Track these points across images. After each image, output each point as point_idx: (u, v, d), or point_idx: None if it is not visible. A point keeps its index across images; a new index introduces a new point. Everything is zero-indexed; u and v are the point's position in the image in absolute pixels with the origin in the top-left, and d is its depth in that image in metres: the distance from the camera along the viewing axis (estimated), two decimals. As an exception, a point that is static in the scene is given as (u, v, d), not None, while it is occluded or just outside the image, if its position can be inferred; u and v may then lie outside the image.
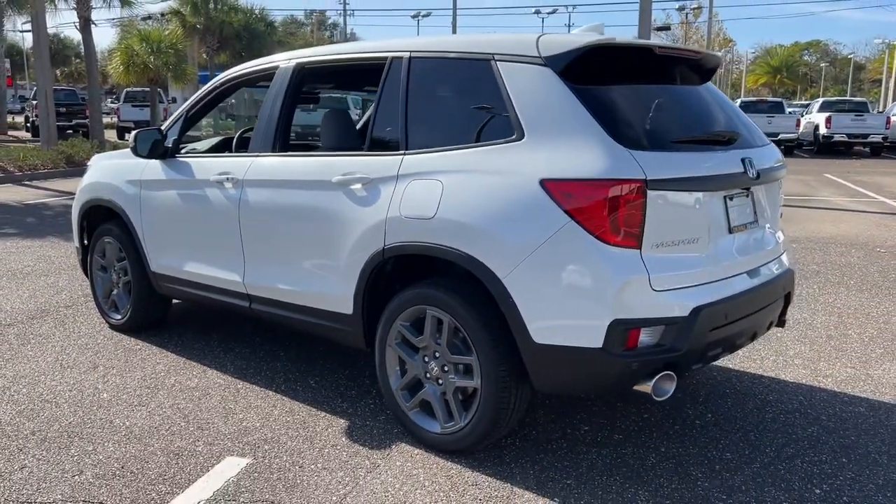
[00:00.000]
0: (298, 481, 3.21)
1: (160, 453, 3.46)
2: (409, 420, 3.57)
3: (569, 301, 3.03)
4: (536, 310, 3.07)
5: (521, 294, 3.09)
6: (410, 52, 3.69)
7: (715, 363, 4.68)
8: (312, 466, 3.34)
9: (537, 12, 59.00)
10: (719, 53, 4.03)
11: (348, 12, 62.15)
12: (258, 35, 32.91)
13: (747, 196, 3.53)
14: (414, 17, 56.70)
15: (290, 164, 4.08)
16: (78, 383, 4.30)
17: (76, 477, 3.23)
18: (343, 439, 3.62)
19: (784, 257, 3.87)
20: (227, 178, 4.27)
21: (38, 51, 17.75)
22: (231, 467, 3.33)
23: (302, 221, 3.90)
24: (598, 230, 2.95)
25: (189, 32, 31.09)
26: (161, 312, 5.27)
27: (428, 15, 56.47)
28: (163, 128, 4.87)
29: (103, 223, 5.28)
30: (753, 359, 4.83)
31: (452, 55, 3.56)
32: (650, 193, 2.96)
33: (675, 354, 3.06)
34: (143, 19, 34.34)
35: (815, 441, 3.65)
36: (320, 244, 3.80)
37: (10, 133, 29.91)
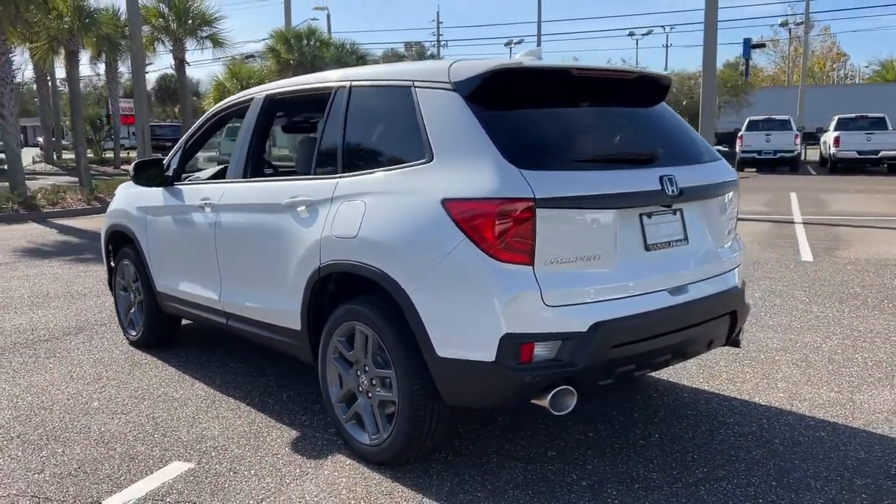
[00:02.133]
0: (227, 486, 3.43)
1: (118, 456, 3.76)
2: (345, 431, 3.74)
3: (465, 316, 3.13)
4: (439, 324, 3.19)
5: (425, 309, 3.21)
6: (351, 81, 3.91)
7: (694, 384, 4.62)
8: (246, 473, 3.55)
9: (631, 34, 58.37)
10: (665, 72, 4.03)
11: (442, 43, 63.30)
12: (346, 67, 34.03)
13: (674, 214, 3.52)
14: (506, 44, 57.30)
15: (253, 189, 4.37)
16: (77, 393, 4.70)
17: (35, 475, 3.57)
18: (286, 449, 3.81)
19: (732, 274, 3.81)
20: (207, 204, 4.61)
21: (137, 90, 19.14)
22: (173, 471, 3.58)
23: (260, 242, 4.17)
24: (489, 247, 3.05)
25: (283, 67, 32.61)
26: (170, 330, 5.66)
27: (520, 42, 56.84)
28: (166, 158, 5.29)
29: (123, 246, 5.75)
30: (734, 380, 4.72)
31: (383, 83, 3.75)
32: (540, 212, 3.03)
33: (573, 369, 3.10)
34: (247, 57, 36.31)
35: (753, 464, 3.56)
36: (274, 263, 4.04)
37: (122, 167, 32.19)
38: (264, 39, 34.08)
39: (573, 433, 3.94)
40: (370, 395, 3.60)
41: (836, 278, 7.91)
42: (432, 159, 3.31)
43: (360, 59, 35.69)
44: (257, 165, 4.57)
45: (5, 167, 16.83)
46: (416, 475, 3.49)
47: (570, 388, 3.11)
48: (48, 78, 23.89)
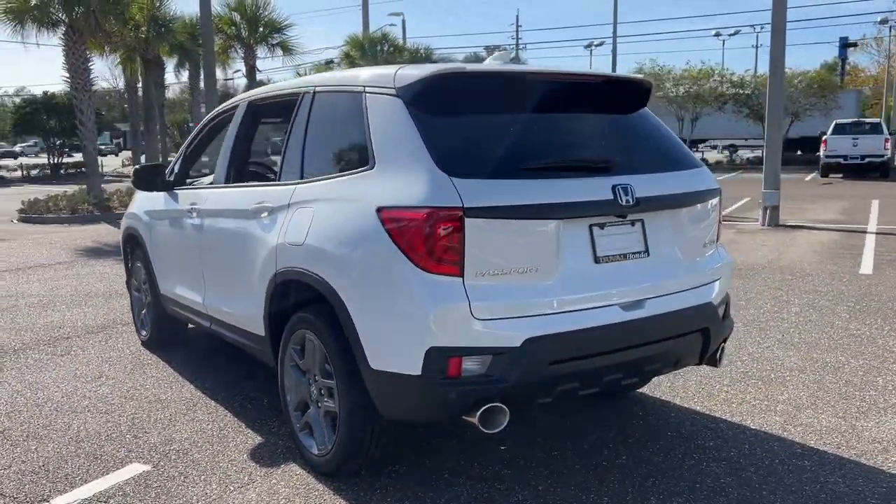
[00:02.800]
0: (172, 490, 3.45)
1: (83, 456, 3.84)
2: (298, 440, 3.71)
3: (394, 328, 3.04)
4: (372, 335, 3.11)
5: (360, 320, 3.15)
6: (315, 87, 3.88)
7: (688, 403, 4.39)
8: (196, 478, 3.57)
9: (717, 34, 56.51)
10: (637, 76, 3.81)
11: (521, 46, 63.01)
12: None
13: (632, 225, 3.33)
14: (587, 47, 56.52)
15: (229, 194, 4.41)
16: (73, 391, 4.85)
17: (3, 470, 3.69)
18: (244, 456, 3.81)
19: (707, 289, 3.58)
20: (193, 208, 4.68)
21: (208, 96, 19.77)
22: (128, 473, 3.64)
23: (231, 246, 4.19)
24: (417, 258, 2.95)
25: (356, 73, 33.16)
26: (176, 331, 5.77)
27: (601, 44, 55.95)
28: (170, 163, 5.41)
29: (136, 249, 5.92)
30: (731, 401, 4.45)
31: (340, 89, 3.71)
32: (469, 221, 2.92)
33: (504, 386, 2.97)
34: (327, 63, 37.11)
35: (714, 492, 3.33)
36: (242, 268, 4.06)
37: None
38: (341, 46, 34.69)
39: (537, 451, 3.79)
40: (319, 404, 3.56)
41: (888, 294, 7.39)
42: (374, 166, 3.24)
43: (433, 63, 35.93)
44: (239, 170, 4.60)
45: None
46: (359, 488, 3.42)
47: (501, 405, 2.98)
48: (138, 85, 25.17)
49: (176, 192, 5.15)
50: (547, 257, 3.08)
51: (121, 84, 40.69)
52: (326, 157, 3.69)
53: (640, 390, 4.62)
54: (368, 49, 32.65)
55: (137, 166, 5.32)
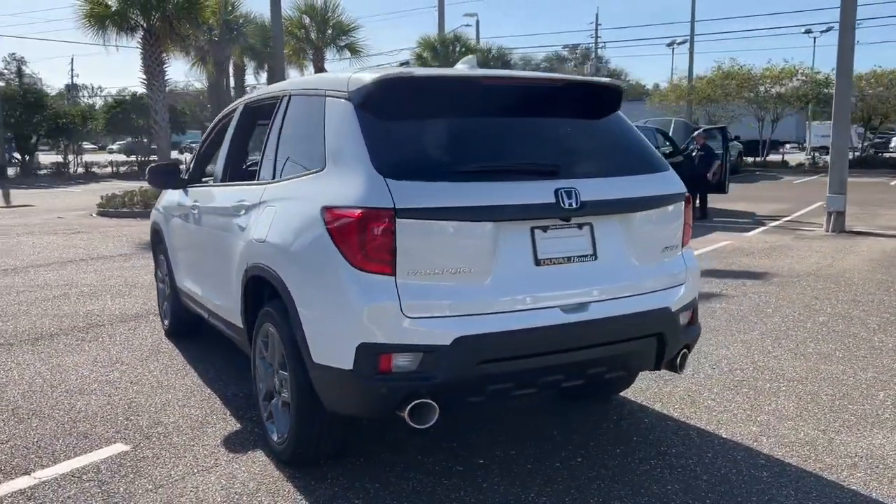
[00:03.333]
0: (141, 470, 3.67)
1: (74, 434, 4.13)
2: (264, 428, 3.88)
3: (331, 323, 3.17)
4: (314, 330, 3.25)
5: (305, 315, 3.29)
6: (291, 90, 4.05)
7: (667, 409, 4.35)
8: (167, 460, 3.78)
9: (808, 31, 54.12)
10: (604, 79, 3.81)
11: (600, 45, 62.09)
12: (495, 73, 34.33)
13: (579, 228, 3.35)
14: (669, 45, 55.26)
15: (220, 193, 4.63)
16: (88, 375, 5.18)
17: (0, 444, 4.00)
18: (217, 441, 4.01)
19: (664, 294, 3.56)
20: (195, 205, 4.94)
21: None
22: (109, 452, 3.89)
23: (218, 242, 4.42)
24: (351, 256, 3.07)
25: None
26: (193, 321, 6.04)
27: (683, 42, 54.51)
28: (186, 161, 5.70)
29: (159, 242, 6.25)
30: (714, 409, 4.38)
31: (309, 92, 3.86)
32: (400, 222, 3.01)
33: (433, 383, 3.05)
34: (401, 64, 37.51)
35: (657, 498, 3.32)
36: (225, 263, 4.27)
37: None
38: (412, 48, 35.14)
39: (497, 450, 3.84)
40: (280, 394, 3.71)
41: (929, 305, 7.04)
42: (325, 167, 3.38)
43: (505, 65, 35.85)
44: (234, 170, 4.82)
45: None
46: (311, 477, 3.56)
47: (430, 402, 3.06)
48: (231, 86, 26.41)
49: (188, 189, 5.42)
50: (481, 258, 3.14)
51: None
52: (293, 158, 3.84)
53: (623, 394, 4.60)
54: (440, 50, 32.91)
55: (152, 165, 5.63)
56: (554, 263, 3.28)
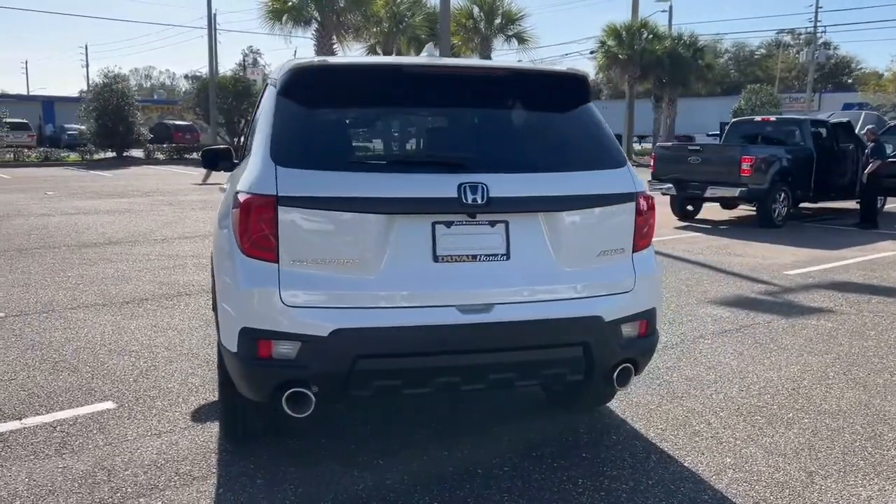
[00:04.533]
0: (106, 428, 4.00)
1: (82, 389, 4.58)
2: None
3: (226, 307, 3.26)
4: (220, 312, 3.36)
5: (218, 298, 3.41)
6: (268, 76, 4.18)
7: (647, 430, 4.03)
8: (134, 422, 4.09)
9: None
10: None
11: (820, 30, 56.63)
12: (681, 61, 32.62)
13: (491, 226, 3.17)
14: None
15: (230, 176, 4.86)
16: (138, 338, 5.70)
17: (21, 392, 4.54)
18: (189, 411, 4.26)
19: (595, 301, 3.29)
20: (225, 188, 5.23)
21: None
22: (96, 408, 4.28)
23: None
24: (240, 241, 3.14)
25: (611, 63, 32.51)
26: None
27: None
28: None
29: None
30: (699, 435, 3.97)
31: (269, 80, 3.96)
32: (283, 210, 3.03)
33: (308, 373, 3.05)
34: (592, 52, 36.84)
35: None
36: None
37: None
38: (593, 36, 34.22)
39: (439, 449, 3.75)
40: (226, 373, 3.87)
41: None
42: (250, 153, 3.47)
43: (697, 52, 33.91)
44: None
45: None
46: (237, 454, 3.69)
47: (305, 391, 3.06)
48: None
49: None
50: (369, 251, 3.08)
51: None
52: (247, 144, 3.98)
53: (613, 407, 4.29)
54: (625, 37, 31.83)
55: (206, 148, 6.01)
56: (455, 261, 3.14)
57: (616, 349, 3.32)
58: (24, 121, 39.19)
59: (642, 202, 3.42)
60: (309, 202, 3.03)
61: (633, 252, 3.44)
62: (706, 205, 14.06)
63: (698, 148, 13.83)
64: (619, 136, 38.01)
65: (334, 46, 18.78)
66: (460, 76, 3.43)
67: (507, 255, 3.19)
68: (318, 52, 18.63)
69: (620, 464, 3.61)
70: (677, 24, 34.71)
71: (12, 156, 28.35)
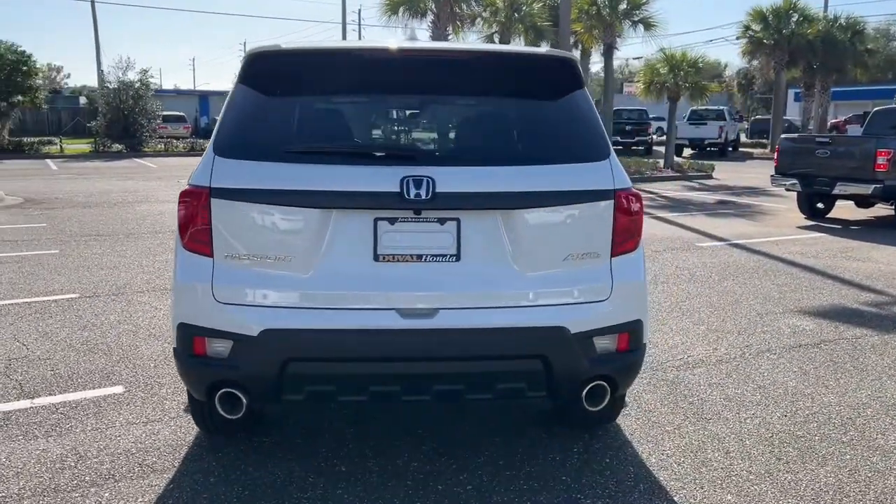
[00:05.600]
0: (103, 413, 4.07)
1: (100, 372, 4.70)
2: None
3: (171, 301, 3.18)
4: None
5: None
6: None
7: (649, 454, 3.64)
8: (131, 408, 4.14)
9: None
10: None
11: None
12: (835, 45, 29.95)
13: (440, 224, 2.90)
14: None
15: None
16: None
17: (48, 371, 4.73)
18: (186, 400, 4.26)
19: (556, 310, 2.96)
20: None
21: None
22: (103, 392, 4.37)
23: None
24: (180, 234, 3.05)
25: (755, 48, 30.40)
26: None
27: None
28: None
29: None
30: (710, 465, 3.49)
31: None
32: (215, 202, 2.91)
33: (237, 374, 2.92)
34: (739, 38, 34.76)
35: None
36: None
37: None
38: (734, 22, 32.08)
39: (407, 445, 3.53)
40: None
41: None
42: None
43: (856, 35, 31.03)
44: None
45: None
46: (211, 447, 3.63)
47: (235, 392, 2.94)
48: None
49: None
50: (304, 248, 2.90)
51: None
52: None
53: (622, 426, 3.88)
54: (772, 21, 29.69)
55: None
56: (397, 261, 2.90)
57: (584, 364, 2.96)
58: (182, 113, 42.14)
59: (624, 200, 3.02)
60: (240, 194, 2.89)
61: (613, 256, 3.04)
62: (839, 202, 12.79)
63: (827, 140, 12.58)
64: (763, 129, 35.40)
65: (449, 37, 18.68)
66: (418, 60, 3.16)
67: (458, 256, 2.91)
68: (434, 41, 18.60)
69: (600, 492, 3.23)
70: (835, 5, 31.77)
71: (163, 146, 30.48)
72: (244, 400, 2.96)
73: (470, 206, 2.87)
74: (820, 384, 4.59)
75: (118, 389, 4.41)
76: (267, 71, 3.17)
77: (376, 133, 3.25)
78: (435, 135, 3.22)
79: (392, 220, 2.89)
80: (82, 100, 47.74)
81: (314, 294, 2.89)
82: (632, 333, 3.07)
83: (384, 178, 2.85)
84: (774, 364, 4.97)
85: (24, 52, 28.42)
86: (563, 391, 3.01)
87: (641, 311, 3.13)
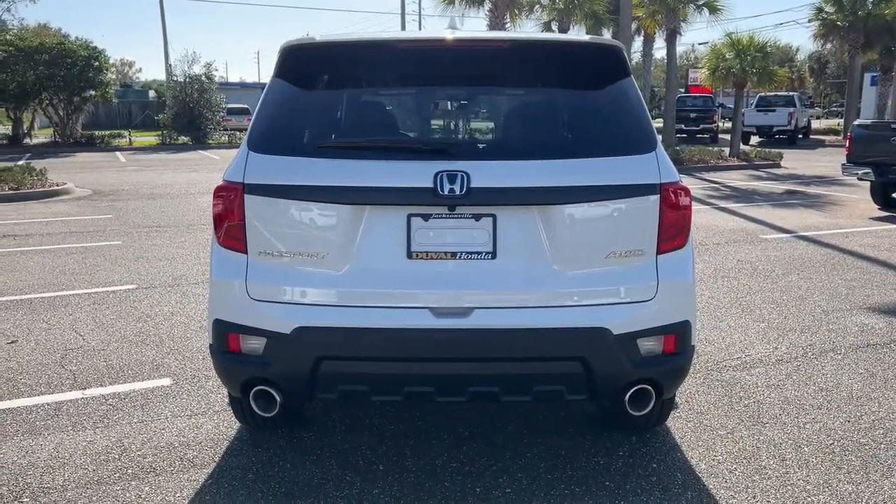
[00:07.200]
0: (148, 405, 4.11)
1: (150, 364, 4.77)
2: None
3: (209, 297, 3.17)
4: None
5: None
6: None
7: (701, 460, 3.49)
8: (176, 400, 4.18)
9: None
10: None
11: None
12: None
13: (476, 220, 2.81)
14: None
15: None
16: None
17: (100, 362, 4.82)
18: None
19: (598, 311, 2.84)
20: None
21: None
22: (151, 384, 4.43)
23: None
24: (215, 230, 3.03)
25: (828, 31, 29.17)
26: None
27: None
28: None
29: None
30: (765, 479, 3.32)
31: None
32: (249, 198, 2.87)
33: (269, 371, 2.89)
34: (811, 20, 33.48)
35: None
36: None
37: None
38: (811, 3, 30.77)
39: (434, 435, 3.46)
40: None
41: None
42: None
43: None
44: None
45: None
46: (250, 445, 3.63)
47: (269, 390, 2.91)
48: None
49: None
50: (337, 244, 2.84)
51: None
52: None
53: (672, 429, 3.73)
54: (847, 2, 28.43)
55: None
56: (431, 258, 2.82)
57: (627, 367, 2.83)
58: (246, 106, 42.91)
59: (671, 194, 2.87)
60: (273, 190, 2.85)
61: (658, 254, 2.90)
62: (919, 193, 12.18)
63: (904, 127, 11.97)
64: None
65: (507, 26, 18.46)
66: (454, 51, 3.05)
67: (493, 254, 2.81)
68: (492, 30, 18.41)
69: (644, 499, 3.09)
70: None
71: (227, 138, 31.10)
72: (278, 398, 2.93)
73: (506, 201, 2.77)
74: (888, 388, 4.33)
75: (166, 382, 4.46)
76: (301, 64, 3.12)
77: (410, 126, 3.18)
78: (471, 127, 3.12)
79: (426, 217, 2.80)
80: (151, 93, 49.19)
81: (347, 292, 2.84)
82: (678, 335, 2.92)
83: (417, 173, 2.77)
84: (839, 365, 4.71)
85: (96, 47, 29.35)
86: (604, 394, 2.88)
87: (689, 311, 2.97)
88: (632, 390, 2.89)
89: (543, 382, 2.85)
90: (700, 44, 49.57)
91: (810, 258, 8.09)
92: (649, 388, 2.91)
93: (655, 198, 2.84)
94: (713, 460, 3.43)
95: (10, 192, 13.49)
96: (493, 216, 2.79)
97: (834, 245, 8.85)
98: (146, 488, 3.22)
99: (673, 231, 2.90)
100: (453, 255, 2.81)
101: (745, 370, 4.62)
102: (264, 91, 3.18)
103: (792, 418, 3.91)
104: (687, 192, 2.92)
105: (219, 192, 2.95)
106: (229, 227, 2.94)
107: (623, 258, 2.85)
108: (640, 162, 2.86)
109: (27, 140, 30.16)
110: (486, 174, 2.75)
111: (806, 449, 3.55)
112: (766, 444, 3.60)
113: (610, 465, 3.38)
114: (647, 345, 2.86)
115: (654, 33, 22.04)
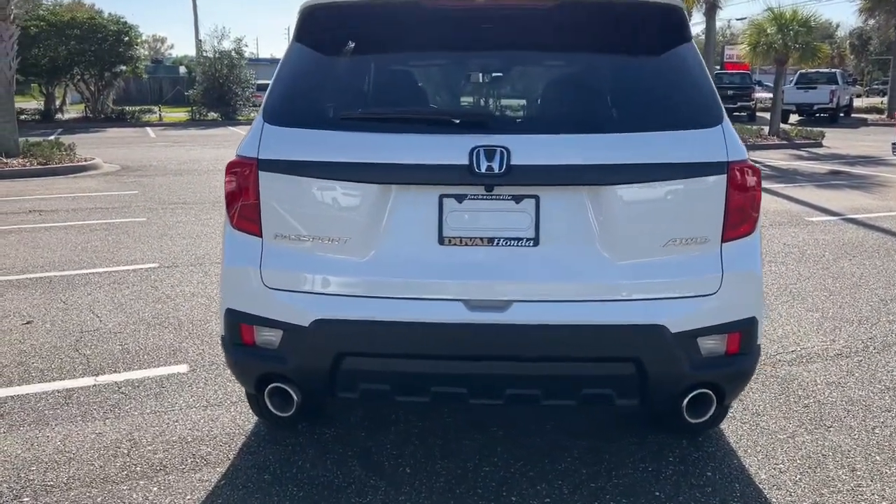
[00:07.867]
0: (163, 394, 3.88)
1: (166, 350, 4.54)
2: None
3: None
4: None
5: None
6: None
7: (763, 470, 3.18)
8: (191, 389, 3.94)
9: None
10: None
11: None
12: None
13: (516, 202, 2.49)
14: None
15: None
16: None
17: (114, 346, 4.61)
18: (251, 381, 4.05)
19: (653, 306, 2.52)
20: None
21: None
22: (167, 371, 4.20)
23: None
24: (228, 210, 2.76)
25: (874, 5, 28.10)
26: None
27: None
28: None
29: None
30: (835, 487, 2.99)
31: None
32: (263, 175, 2.59)
33: (285, 367, 2.62)
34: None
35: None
36: None
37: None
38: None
39: (477, 462, 3.18)
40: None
41: None
42: None
43: None
44: None
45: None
46: (267, 442, 3.38)
47: (285, 387, 2.64)
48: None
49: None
50: (361, 228, 2.55)
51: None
52: None
53: (726, 432, 3.41)
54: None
55: None
56: (465, 244, 2.51)
57: (685, 370, 2.51)
58: (274, 81, 42.78)
59: (739, 174, 2.52)
60: (290, 167, 2.56)
61: (723, 242, 2.56)
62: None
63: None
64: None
65: None
66: (493, 11, 2.71)
67: (536, 241, 2.49)
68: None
69: (697, 513, 2.79)
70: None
71: (256, 114, 30.96)
72: (295, 396, 2.66)
73: (551, 181, 2.45)
74: (962, 388, 3.95)
75: (183, 368, 4.23)
76: (323, 26, 2.81)
77: (443, 96, 2.86)
78: (512, 98, 2.80)
79: (460, 198, 2.49)
80: (182, 69, 49.15)
81: (371, 281, 2.54)
82: (744, 334, 2.59)
83: (451, 149, 2.45)
84: (905, 361, 4.34)
85: (126, 22, 29.29)
86: (659, 400, 2.57)
87: (756, 307, 2.64)
88: (690, 395, 2.57)
89: (590, 385, 2.54)
90: (738, 19, 48.24)
91: (861, 242, 7.65)
92: (710, 392, 2.59)
93: (722, 178, 2.50)
94: (774, 469, 3.11)
95: (39, 167, 13.43)
96: (536, 198, 2.47)
97: (886, 229, 8.37)
98: (154, 489, 2.98)
99: (741, 216, 2.56)
100: (490, 241, 2.50)
101: (801, 365, 4.26)
102: (282, 57, 2.88)
103: (859, 421, 3.56)
104: (756, 171, 2.57)
105: (231, 169, 2.67)
106: (243, 207, 2.66)
107: (683, 246, 2.52)
108: (705, 137, 2.52)
109: (59, 115, 30.31)
110: (529, 150, 2.43)
111: (878, 458, 3.21)
112: (831, 450, 3.27)
113: (659, 473, 3.07)
114: (709, 344, 2.54)
115: (693, 6, 21.27)
